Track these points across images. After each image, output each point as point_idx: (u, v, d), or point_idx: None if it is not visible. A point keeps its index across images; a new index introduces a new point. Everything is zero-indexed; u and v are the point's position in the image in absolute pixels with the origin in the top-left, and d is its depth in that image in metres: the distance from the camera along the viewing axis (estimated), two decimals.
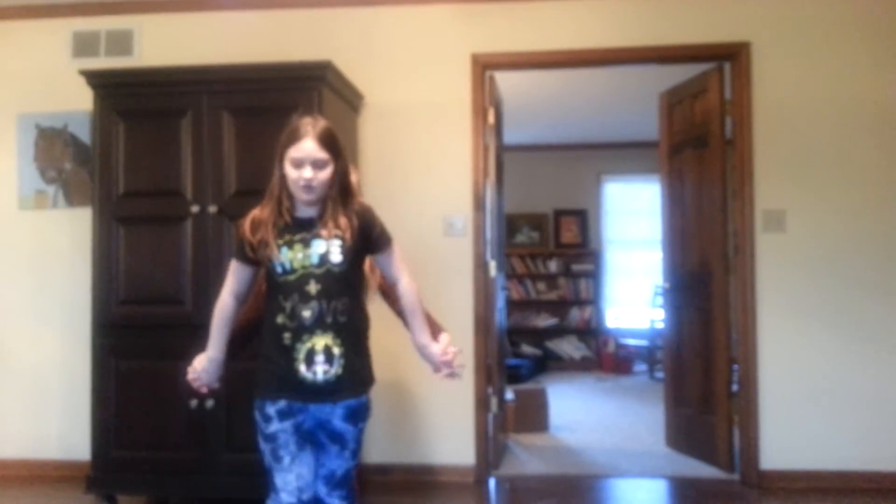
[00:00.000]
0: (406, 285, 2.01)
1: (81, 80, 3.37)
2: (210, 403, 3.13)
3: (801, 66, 3.66)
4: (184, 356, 3.15)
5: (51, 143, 3.95)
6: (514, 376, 5.99)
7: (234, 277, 1.98)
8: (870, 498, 3.43)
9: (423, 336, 2.00)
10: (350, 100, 3.64)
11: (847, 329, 3.61)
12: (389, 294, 2.22)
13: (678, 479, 3.81)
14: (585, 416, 5.31)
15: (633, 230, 7.90)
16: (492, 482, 3.75)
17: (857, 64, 3.64)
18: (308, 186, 1.84)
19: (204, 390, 2.04)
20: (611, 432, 4.80)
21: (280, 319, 1.86)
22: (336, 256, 1.86)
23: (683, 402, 4.20)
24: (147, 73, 3.47)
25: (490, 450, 3.81)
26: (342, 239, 1.86)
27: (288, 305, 1.85)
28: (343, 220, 1.87)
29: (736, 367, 3.77)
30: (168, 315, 3.23)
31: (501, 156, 4.37)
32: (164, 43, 3.91)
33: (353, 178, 2.11)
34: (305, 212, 1.90)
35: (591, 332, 7.86)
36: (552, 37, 3.77)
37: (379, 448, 3.71)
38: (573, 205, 7.95)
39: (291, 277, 1.86)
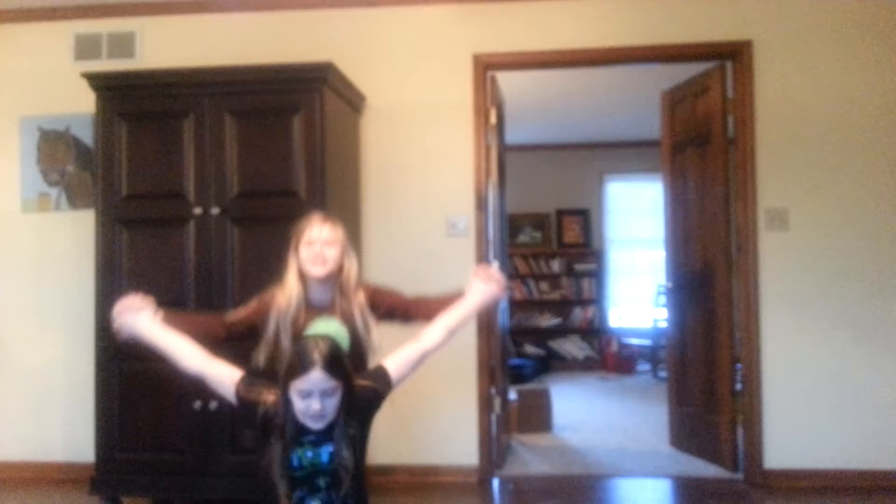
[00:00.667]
0: (424, 338, 2.01)
1: (84, 83, 3.38)
2: (214, 405, 3.13)
3: (803, 65, 3.65)
4: None
5: (53, 145, 3.96)
6: (517, 376, 5.99)
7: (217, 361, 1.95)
8: (874, 497, 3.42)
9: (466, 306, 2.09)
10: (351, 101, 3.64)
11: (851, 327, 3.60)
12: (409, 315, 2.29)
13: (682, 478, 3.80)
14: (589, 416, 5.31)
15: (635, 229, 7.89)
16: (495, 482, 3.75)
17: (859, 62, 3.63)
18: (317, 417, 1.77)
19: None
20: (614, 432, 4.80)
21: None
22: (346, 456, 1.80)
23: (687, 402, 4.20)
24: (149, 76, 3.48)
25: (493, 450, 3.80)
26: (351, 436, 1.82)
27: (296, 496, 1.82)
28: (352, 431, 1.82)
29: (739, 366, 3.77)
30: None
31: (503, 156, 4.37)
32: (166, 45, 3.92)
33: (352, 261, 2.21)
34: (313, 429, 1.81)
35: (595, 332, 7.85)
36: (554, 36, 3.77)
37: (382, 449, 3.70)
38: (576, 204, 7.94)
39: (299, 473, 1.81)
